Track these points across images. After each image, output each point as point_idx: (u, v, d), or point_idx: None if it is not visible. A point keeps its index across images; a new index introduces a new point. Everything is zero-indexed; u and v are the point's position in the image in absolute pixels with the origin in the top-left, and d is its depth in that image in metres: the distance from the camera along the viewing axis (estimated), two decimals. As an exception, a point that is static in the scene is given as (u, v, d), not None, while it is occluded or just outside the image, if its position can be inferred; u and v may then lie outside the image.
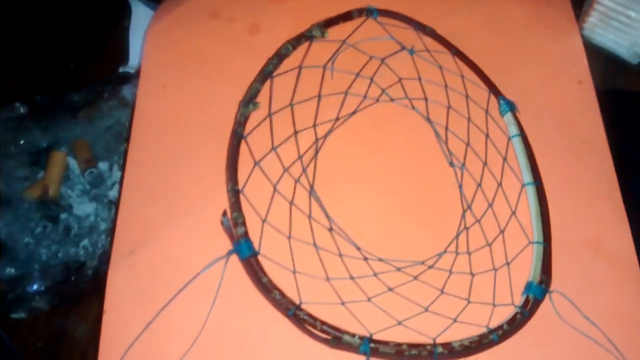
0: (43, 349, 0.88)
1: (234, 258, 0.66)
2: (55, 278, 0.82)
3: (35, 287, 0.83)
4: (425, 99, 0.81)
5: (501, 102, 0.80)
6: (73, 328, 0.89)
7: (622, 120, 0.86)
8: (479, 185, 0.75)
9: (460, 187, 0.75)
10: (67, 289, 0.86)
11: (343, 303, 0.65)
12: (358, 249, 0.69)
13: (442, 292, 0.67)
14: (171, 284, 0.66)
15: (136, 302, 0.66)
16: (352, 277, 0.67)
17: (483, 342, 0.64)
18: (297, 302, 0.64)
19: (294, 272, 0.67)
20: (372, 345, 0.62)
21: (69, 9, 1.16)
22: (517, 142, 0.77)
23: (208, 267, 0.66)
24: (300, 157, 0.74)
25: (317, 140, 0.76)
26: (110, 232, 0.88)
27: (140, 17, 1.07)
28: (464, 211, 0.73)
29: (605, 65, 0.90)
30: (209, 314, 0.64)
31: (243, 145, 0.74)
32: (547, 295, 0.67)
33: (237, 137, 0.73)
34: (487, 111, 0.80)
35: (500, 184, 0.75)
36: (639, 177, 0.82)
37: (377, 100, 0.80)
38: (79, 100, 1.01)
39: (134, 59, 1.08)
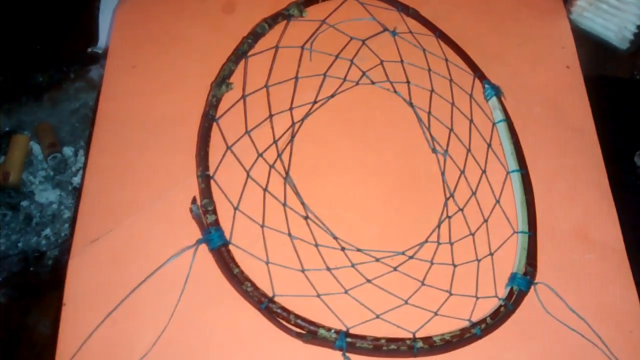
0: (0, 345, 0.84)
1: (204, 247, 0.64)
2: (11, 269, 0.79)
3: (-9, 278, 0.80)
4: (408, 82, 0.78)
5: (486, 86, 0.78)
6: (33, 323, 0.85)
7: (610, 107, 0.84)
8: (462, 172, 0.73)
9: (442, 174, 0.72)
10: (26, 281, 0.82)
11: (319, 295, 0.63)
12: (335, 238, 0.67)
13: (422, 283, 0.65)
14: (136, 274, 0.63)
15: (98, 294, 0.63)
16: (328, 268, 0.65)
17: (465, 336, 0.62)
18: (270, 294, 0.62)
19: (267, 262, 0.64)
20: (348, 339, 0.60)
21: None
22: (502, 128, 0.75)
23: (174, 257, 0.63)
24: (275, 142, 0.72)
25: (293, 124, 0.73)
26: (72, 219, 0.84)
27: (111, -4, 1.03)
28: (447, 199, 0.71)
29: (594, 51, 0.88)
30: (176, 307, 0.61)
31: (215, 128, 0.71)
32: (532, 287, 0.65)
33: (209, 119, 0.70)
34: (471, 95, 0.78)
35: (484, 171, 0.73)
36: (627, 165, 0.80)
37: (357, 83, 0.78)
38: (43, 82, 0.98)
39: (102, 40, 1.04)
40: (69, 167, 1.00)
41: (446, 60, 0.80)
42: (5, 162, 0.99)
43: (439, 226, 0.69)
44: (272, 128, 0.72)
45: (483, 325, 0.62)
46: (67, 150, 1.02)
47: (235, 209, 0.66)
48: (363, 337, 0.60)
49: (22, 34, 1.08)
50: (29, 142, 1.01)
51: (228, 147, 0.70)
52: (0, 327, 0.85)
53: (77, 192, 0.97)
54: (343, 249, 0.66)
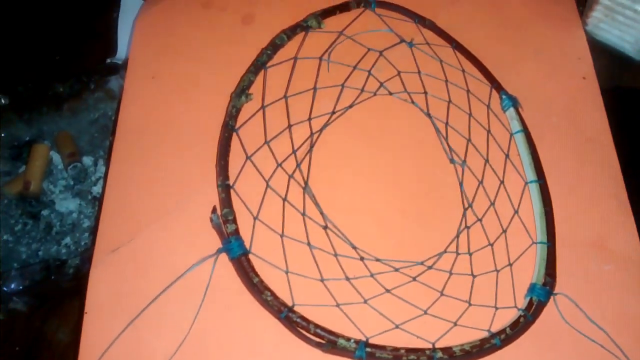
0: (20, 353, 0.85)
1: (224, 257, 0.63)
2: (34, 277, 0.79)
3: (12, 286, 0.80)
4: (425, 93, 0.78)
5: (503, 97, 0.78)
6: (53, 331, 0.85)
7: (627, 118, 0.84)
8: (481, 182, 0.72)
9: (461, 184, 0.72)
10: (47, 289, 0.83)
11: (338, 305, 0.63)
12: (354, 248, 0.66)
13: (441, 294, 0.65)
14: (156, 283, 0.63)
15: (119, 303, 0.63)
16: (347, 278, 0.65)
17: (485, 347, 0.61)
18: (290, 303, 0.62)
19: (287, 272, 0.64)
20: (368, 349, 0.60)
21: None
22: (519, 139, 0.75)
23: (195, 266, 0.63)
24: (294, 152, 0.72)
25: (312, 134, 0.73)
26: (93, 229, 0.84)
27: (129, 7, 1.04)
28: (465, 210, 0.70)
29: (610, 62, 0.88)
30: (196, 316, 0.61)
31: (234, 138, 0.71)
32: (552, 298, 0.65)
33: (228, 129, 0.71)
34: (488, 106, 0.78)
35: (502, 182, 0.73)
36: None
37: (375, 94, 0.78)
38: (63, 92, 0.99)
39: (122, 50, 1.05)
40: (88, 177, 1.00)
41: (463, 71, 0.80)
42: (26, 171, 0.99)
43: (457, 236, 0.68)
44: (291, 138, 0.72)
45: (503, 336, 0.62)
46: (87, 160, 1.02)
47: (255, 218, 0.66)
48: (382, 347, 0.60)
49: (42, 44, 1.09)
50: (49, 151, 1.02)
51: (248, 157, 0.70)
52: (20, 336, 0.85)
53: (96, 202, 0.97)
54: (362, 258, 0.66)
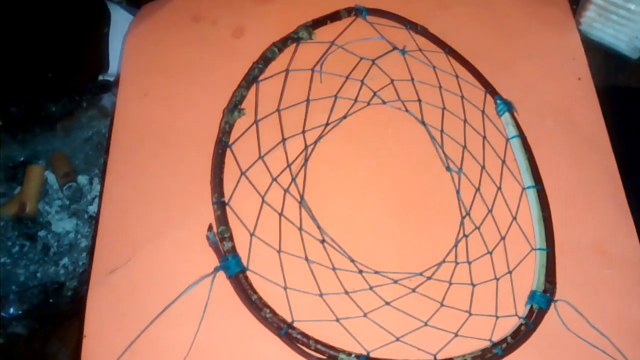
0: (22, 378, 0.85)
1: (222, 274, 0.63)
2: (32, 301, 0.79)
3: (11, 311, 0.80)
4: (419, 100, 0.78)
5: (498, 102, 0.77)
6: (53, 353, 0.85)
7: (623, 117, 0.83)
8: (478, 190, 0.72)
9: (457, 192, 0.72)
10: (46, 312, 0.83)
11: (338, 320, 0.62)
12: (352, 261, 0.66)
13: (442, 304, 0.64)
14: (155, 304, 0.63)
15: (118, 325, 0.63)
16: (346, 292, 0.64)
17: (486, 357, 0.61)
18: (289, 320, 0.61)
19: (285, 288, 0.64)
20: (369, 363, 0.59)
21: (45, 16, 1.12)
22: (515, 144, 0.74)
23: (193, 286, 0.63)
24: (289, 166, 0.71)
25: (306, 147, 0.73)
26: (90, 249, 0.84)
27: (119, 22, 1.03)
28: (463, 218, 0.70)
29: (605, 61, 0.87)
30: (195, 335, 0.61)
31: (229, 154, 0.70)
32: (553, 305, 0.64)
33: (222, 146, 0.70)
34: (483, 112, 0.77)
35: (499, 188, 0.72)
36: (643, 176, 0.79)
37: (369, 103, 0.77)
38: (56, 111, 0.99)
39: (113, 67, 1.04)
40: (84, 196, 1.00)
41: (457, 76, 0.79)
42: (21, 192, 0.99)
43: (456, 245, 0.68)
44: (286, 152, 0.72)
45: (504, 345, 0.62)
46: (82, 179, 1.02)
47: (252, 235, 0.66)
48: (384, 361, 0.60)
49: (33, 63, 1.08)
50: (44, 172, 1.02)
51: (242, 173, 0.70)
52: (21, 358, 0.85)
53: (93, 221, 0.97)
54: (360, 271, 0.66)
